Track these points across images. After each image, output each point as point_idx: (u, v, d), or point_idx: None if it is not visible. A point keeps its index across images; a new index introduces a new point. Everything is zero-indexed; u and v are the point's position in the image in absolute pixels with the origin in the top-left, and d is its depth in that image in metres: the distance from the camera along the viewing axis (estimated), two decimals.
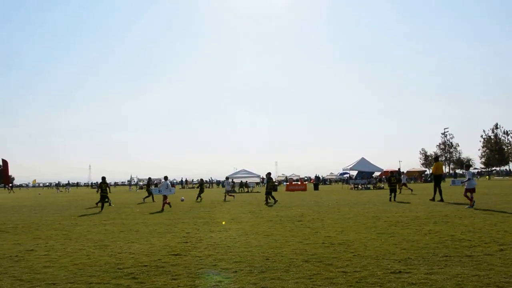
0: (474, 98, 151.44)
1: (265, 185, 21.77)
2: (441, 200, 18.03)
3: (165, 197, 18.47)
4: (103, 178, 19.58)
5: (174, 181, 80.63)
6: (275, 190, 21.37)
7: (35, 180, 75.65)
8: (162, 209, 17.38)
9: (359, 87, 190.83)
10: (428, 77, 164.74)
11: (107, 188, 19.18)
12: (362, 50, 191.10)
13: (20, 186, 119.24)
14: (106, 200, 19.39)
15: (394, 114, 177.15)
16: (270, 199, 20.58)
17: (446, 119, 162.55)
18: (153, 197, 24.28)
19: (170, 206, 18.38)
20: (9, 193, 55.05)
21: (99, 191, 19.28)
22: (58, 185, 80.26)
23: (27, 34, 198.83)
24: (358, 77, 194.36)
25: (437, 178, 19.07)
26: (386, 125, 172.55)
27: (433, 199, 18.57)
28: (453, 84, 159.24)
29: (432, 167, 20.50)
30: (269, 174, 22.01)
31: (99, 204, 18.91)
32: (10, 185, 68.90)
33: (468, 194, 14.99)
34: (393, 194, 19.91)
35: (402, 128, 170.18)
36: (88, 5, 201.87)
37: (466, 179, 15.66)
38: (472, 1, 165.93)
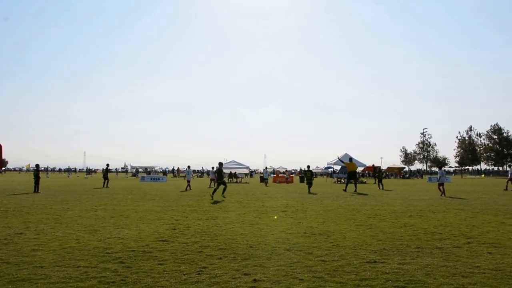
0: (465, 101, 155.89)
1: (303, 176, 26.18)
2: (344, 190, 23.21)
3: (188, 181, 26.17)
4: (37, 166, 23.73)
5: (166, 169, 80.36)
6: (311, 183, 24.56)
7: (28, 164, 74.60)
8: (186, 189, 24.38)
9: (352, 85, 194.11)
10: (419, 80, 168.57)
11: (38, 175, 22.36)
12: (359, 52, 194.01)
13: (15, 170, 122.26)
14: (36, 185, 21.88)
15: (382, 114, 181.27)
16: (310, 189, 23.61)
17: (432, 120, 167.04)
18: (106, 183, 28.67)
19: (191, 189, 24.73)
20: (1, 175, 55.32)
21: (35, 177, 22.28)
22: (46, 170, 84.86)
23: (39, 27, 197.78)
24: (352, 76, 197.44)
25: (351, 174, 24.73)
26: (375, 124, 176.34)
27: (355, 191, 23.02)
28: (444, 87, 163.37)
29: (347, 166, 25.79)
30: (308, 166, 25.41)
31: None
32: (4, 168, 69.18)
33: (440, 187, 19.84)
34: (380, 184, 27.74)
35: (391, 127, 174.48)
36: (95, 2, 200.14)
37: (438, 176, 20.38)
38: (471, 8, 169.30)
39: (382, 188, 26.84)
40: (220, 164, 19.35)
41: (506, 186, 24.93)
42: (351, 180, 24.34)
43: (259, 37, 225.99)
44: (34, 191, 21.25)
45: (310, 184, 24.13)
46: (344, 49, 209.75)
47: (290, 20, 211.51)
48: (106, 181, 28.88)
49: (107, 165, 30.09)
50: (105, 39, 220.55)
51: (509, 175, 25.60)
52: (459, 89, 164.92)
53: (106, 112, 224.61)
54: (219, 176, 18.54)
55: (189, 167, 28.68)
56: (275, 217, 10.48)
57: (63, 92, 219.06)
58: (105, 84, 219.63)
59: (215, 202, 15.70)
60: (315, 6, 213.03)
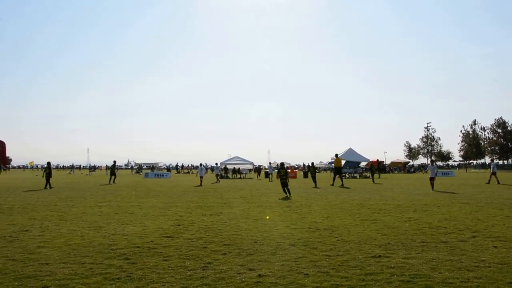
0: (468, 96, 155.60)
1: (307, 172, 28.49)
2: (333, 184, 24.65)
3: (201, 177, 27.34)
4: (48, 163, 23.67)
5: (170, 166, 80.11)
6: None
7: (32, 161, 74.88)
8: (200, 185, 25.10)
9: (354, 81, 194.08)
10: (419, 75, 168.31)
11: (50, 172, 22.58)
12: (360, 48, 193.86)
13: (19, 167, 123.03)
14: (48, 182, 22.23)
15: (386, 108, 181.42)
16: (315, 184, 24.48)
17: (436, 115, 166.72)
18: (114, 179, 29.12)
19: (201, 185, 25.07)
20: (6, 172, 56.13)
21: (44, 175, 22.36)
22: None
23: (41, 24, 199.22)
24: (353, 72, 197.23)
25: (337, 170, 26.50)
26: (377, 119, 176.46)
27: (342, 185, 24.12)
28: (445, 82, 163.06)
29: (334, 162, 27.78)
30: (313, 163, 27.53)
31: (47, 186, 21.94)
32: (8, 166, 69.85)
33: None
34: (373, 178, 29.77)
35: (394, 122, 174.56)
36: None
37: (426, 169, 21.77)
38: (471, 3, 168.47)
39: (373, 182, 28.51)
40: (282, 164, 19.82)
41: (497, 180, 24.83)
42: (338, 175, 25.98)
43: (259, 35, 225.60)
44: (45, 188, 21.58)
45: (313, 178, 25.24)
46: (345, 45, 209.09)
47: (291, 17, 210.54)
48: (113, 177, 29.22)
49: (114, 161, 30.56)
50: (105, 38, 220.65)
51: (491, 169, 26.21)
52: (461, 84, 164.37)
53: (108, 110, 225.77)
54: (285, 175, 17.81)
55: (201, 164, 29.87)
56: (267, 217, 10.27)
57: (64, 90, 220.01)
58: (106, 82, 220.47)
59: (219, 198, 15.73)
60: (315, 2, 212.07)
